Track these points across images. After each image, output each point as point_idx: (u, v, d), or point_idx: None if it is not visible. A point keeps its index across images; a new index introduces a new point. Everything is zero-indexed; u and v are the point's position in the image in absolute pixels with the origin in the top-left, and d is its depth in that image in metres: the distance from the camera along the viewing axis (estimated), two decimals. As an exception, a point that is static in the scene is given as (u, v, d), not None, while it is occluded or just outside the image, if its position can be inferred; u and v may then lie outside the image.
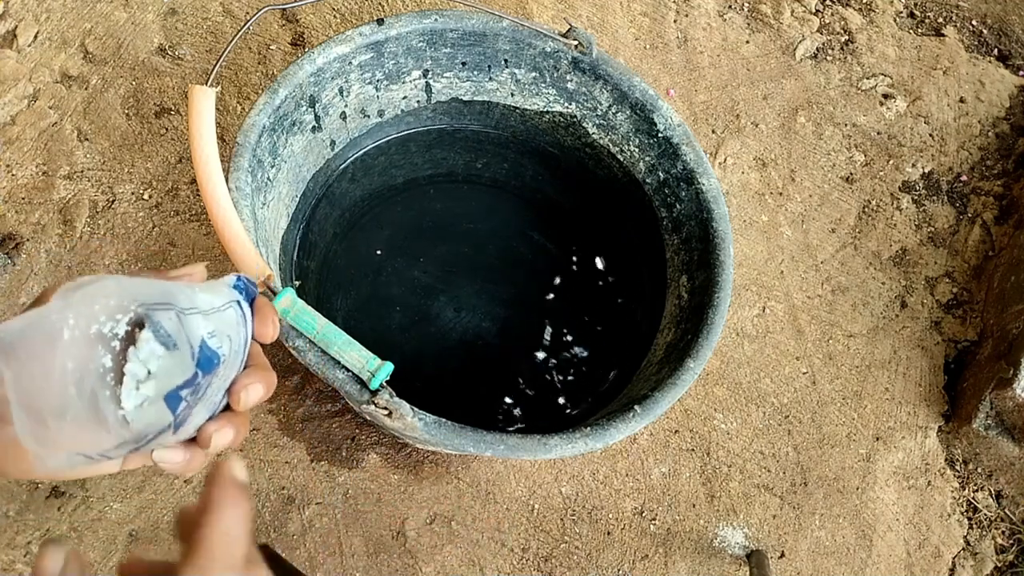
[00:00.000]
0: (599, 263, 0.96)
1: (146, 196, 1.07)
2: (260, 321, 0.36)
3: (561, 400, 0.89)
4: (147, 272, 0.34)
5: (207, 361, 0.30)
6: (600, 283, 0.95)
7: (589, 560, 1.02)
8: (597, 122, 0.88)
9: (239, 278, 0.36)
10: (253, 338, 0.36)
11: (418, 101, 0.90)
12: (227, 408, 0.35)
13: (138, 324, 0.27)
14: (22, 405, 0.25)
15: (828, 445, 1.12)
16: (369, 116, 0.88)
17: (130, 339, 0.27)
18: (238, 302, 0.35)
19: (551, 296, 0.94)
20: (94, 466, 0.30)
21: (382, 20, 0.77)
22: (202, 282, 0.35)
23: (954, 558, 1.11)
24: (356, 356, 0.58)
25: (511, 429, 0.87)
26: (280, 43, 1.17)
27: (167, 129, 1.10)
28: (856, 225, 1.25)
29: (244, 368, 0.35)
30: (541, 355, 0.91)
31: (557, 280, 0.95)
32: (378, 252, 0.92)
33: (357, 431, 1.01)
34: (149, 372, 0.27)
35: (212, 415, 0.33)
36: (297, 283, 0.70)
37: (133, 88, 1.11)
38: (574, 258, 0.96)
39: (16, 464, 0.30)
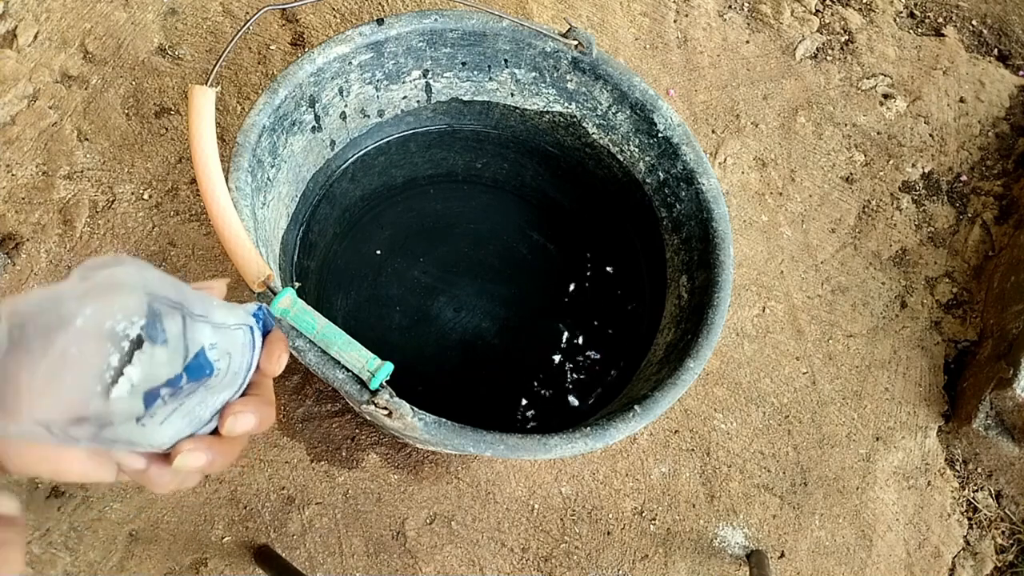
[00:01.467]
0: (599, 263, 0.96)
1: (146, 196, 1.07)
2: (268, 353, 0.36)
3: (561, 400, 0.89)
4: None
5: (198, 368, 0.29)
6: (600, 283, 0.95)
7: (589, 560, 1.02)
8: (597, 122, 0.88)
9: (260, 308, 0.36)
10: (259, 369, 0.35)
11: (418, 101, 0.90)
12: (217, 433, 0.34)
13: (145, 319, 0.27)
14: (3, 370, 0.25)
15: (828, 445, 1.12)
16: (369, 116, 0.88)
17: (140, 342, 0.27)
18: (251, 328, 0.34)
19: (551, 296, 0.94)
20: (55, 451, 0.30)
21: (382, 20, 0.77)
22: (221, 298, 0.35)
23: (954, 558, 1.11)
24: (356, 356, 0.58)
25: (511, 429, 0.87)
26: (280, 43, 1.17)
27: (167, 129, 1.10)
28: (856, 225, 1.25)
29: (243, 395, 0.35)
30: (541, 355, 0.91)
31: (556, 280, 0.95)
32: (378, 252, 0.92)
33: (357, 431, 1.01)
34: (133, 377, 0.27)
35: (194, 433, 0.32)
36: (297, 284, 0.70)
37: (133, 88, 1.11)
38: (574, 258, 0.96)
39: (20, 459, 0.30)
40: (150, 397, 0.28)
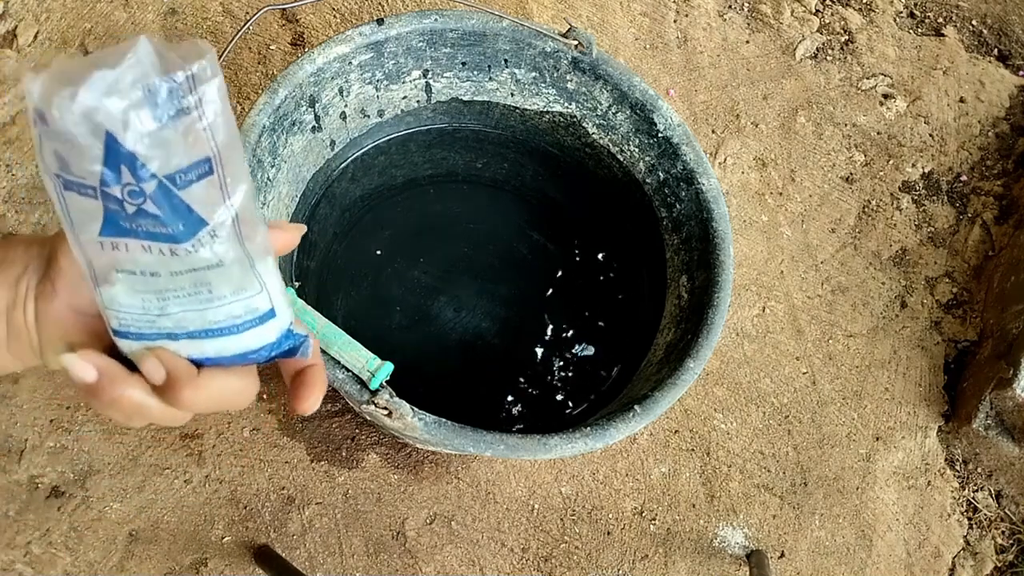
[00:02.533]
0: (599, 263, 0.96)
1: (146, 196, 1.07)
2: (303, 391, 0.32)
3: (561, 400, 0.89)
4: None
5: (185, 204, 0.25)
6: (600, 283, 0.95)
7: (589, 560, 1.02)
8: (597, 122, 0.88)
9: (304, 338, 0.32)
10: (293, 407, 0.32)
11: (418, 101, 0.90)
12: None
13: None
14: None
15: (828, 445, 1.12)
16: (369, 116, 0.88)
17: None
18: (290, 329, 0.31)
19: (551, 296, 0.94)
20: (79, 320, 0.28)
21: (382, 20, 0.77)
22: (286, 246, 0.32)
23: (954, 558, 1.11)
24: (356, 356, 0.58)
25: (511, 429, 0.87)
26: (280, 43, 1.17)
27: (167, 129, 1.10)
28: (856, 225, 1.25)
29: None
30: (541, 355, 0.91)
31: (557, 280, 0.95)
32: (378, 252, 0.92)
33: (357, 431, 1.01)
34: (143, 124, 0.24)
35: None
36: (297, 284, 0.70)
37: (133, 88, 1.11)
38: (574, 258, 0.96)
39: (48, 340, 0.29)
40: (133, 193, 0.24)
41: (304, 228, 0.34)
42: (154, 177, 0.24)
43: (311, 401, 0.32)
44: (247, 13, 1.18)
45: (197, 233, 0.26)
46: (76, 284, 0.29)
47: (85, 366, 0.27)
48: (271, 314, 0.30)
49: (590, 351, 0.92)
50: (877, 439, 1.14)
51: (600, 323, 0.93)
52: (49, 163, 0.25)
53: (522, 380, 0.90)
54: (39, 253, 0.30)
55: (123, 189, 0.24)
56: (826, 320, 1.18)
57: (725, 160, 1.25)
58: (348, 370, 0.60)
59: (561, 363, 0.91)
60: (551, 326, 0.93)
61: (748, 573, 1.02)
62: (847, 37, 1.36)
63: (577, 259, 0.96)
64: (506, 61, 0.85)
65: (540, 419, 0.88)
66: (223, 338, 0.29)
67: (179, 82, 0.24)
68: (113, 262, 0.26)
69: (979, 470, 1.15)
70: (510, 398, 0.89)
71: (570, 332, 0.92)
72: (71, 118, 0.23)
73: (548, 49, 0.82)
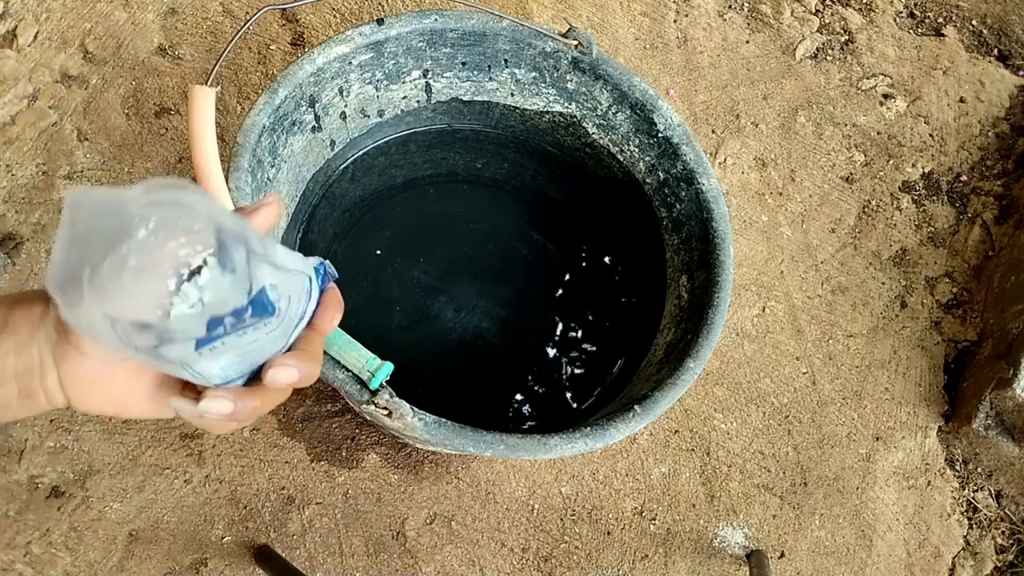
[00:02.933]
0: (599, 263, 0.96)
1: (146, 196, 1.07)
2: (323, 309, 0.35)
3: (561, 399, 0.89)
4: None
5: (261, 305, 0.29)
6: (600, 283, 0.95)
7: (589, 560, 1.02)
8: (597, 122, 0.88)
9: (322, 263, 0.36)
10: (311, 324, 0.35)
11: (418, 101, 0.90)
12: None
13: (214, 252, 0.27)
14: (66, 257, 0.25)
15: (828, 445, 1.12)
16: (369, 116, 0.88)
17: (198, 271, 0.27)
18: (310, 279, 0.34)
19: (551, 296, 0.94)
20: (120, 394, 0.31)
21: (382, 20, 0.77)
22: (272, 220, 0.34)
23: (954, 558, 1.11)
24: (356, 356, 0.58)
25: (511, 429, 0.87)
26: (280, 43, 1.17)
27: (167, 129, 1.10)
28: (856, 225, 1.25)
29: (291, 348, 0.34)
30: (541, 355, 0.91)
31: (557, 280, 0.95)
32: (378, 252, 0.92)
33: (357, 431, 1.01)
34: (202, 298, 0.27)
35: (231, 381, 0.32)
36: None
37: (133, 88, 1.11)
38: (574, 258, 0.96)
39: (82, 394, 0.31)
40: (214, 323, 0.28)
41: (275, 196, 0.35)
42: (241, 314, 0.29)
43: (335, 320, 0.36)
44: (247, 13, 1.18)
45: (278, 305, 0.31)
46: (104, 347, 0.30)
47: (223, 403, 0.31)
48: (309, 288, 0.34)
49: (590, 352, 0.92)
50: (877, 439, 1.14)
51: (600, 323, 0.93)
52: (140, 342, 0.28)
53: (522, 380, 0.90)
54: (42, 316, 0.30)
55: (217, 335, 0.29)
56: (826, 320, 1.18)
57: (725, 160, 1.25)
58: (348, 370, 0.60)
59: (562, 363, 0.91)
60: (551, 326, 0.93)
61: (748, 573, 1.02)
62: (847, 37, 1.36)
63: (577, 259, 0.96)
64: (506, 61, 0.85)
65: (540, 419, 0.88)
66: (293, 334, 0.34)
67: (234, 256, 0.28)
68: (204, 356, 0.30)
69: (979, 470, 1.15)
70: (509, 398, 0.89)
71: (570, 332, 0.92)
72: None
73: (548, 49, 0.82)
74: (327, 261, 0.36)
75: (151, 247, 0.25)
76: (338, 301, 0.37)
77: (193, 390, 0.33)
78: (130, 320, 0.26)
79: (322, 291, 0.36)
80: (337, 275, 0.37)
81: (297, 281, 0.32)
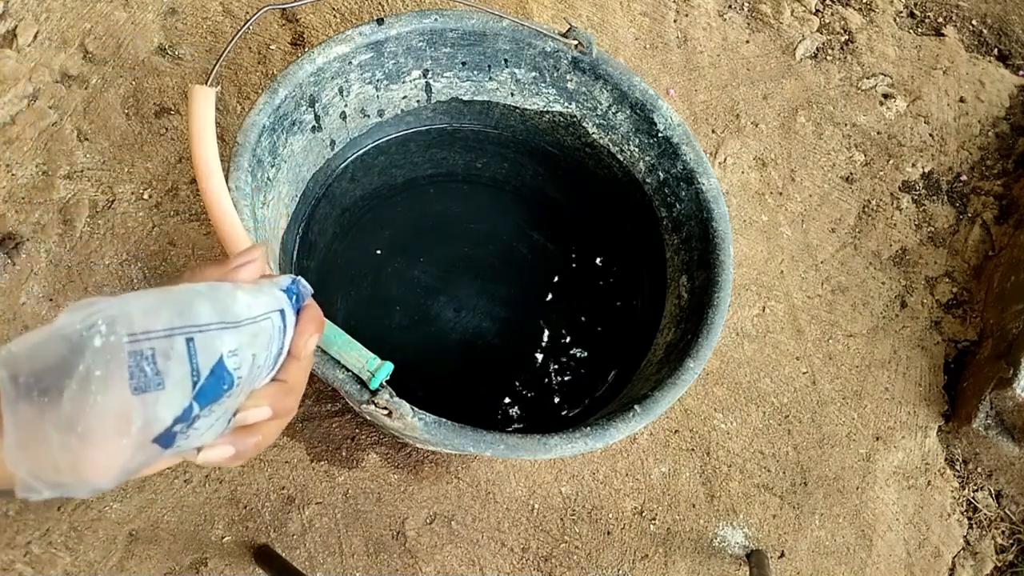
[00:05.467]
0: (599, 263, 0.96)
1: (146, 196, 1.07)
2: (297, 336, 0.34)
3: (561, 400, 0.89)
4: (201, 264, 0.33)
5: (213, 386, 0.27)
6: (600, 283, 0.95)
7: (589, 560, 1.02)
8: (597, 122, 0.88)
9: (295, 281, 0.34)
10: (288, 353, 0.33)
11: (418, 101, 0.90)
12: None
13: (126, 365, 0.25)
14: (25, 421, 0.24)
15: (828, 445, 1.12)
16: (369, 116, 0.88)
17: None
18: (281, 312, 0.32)
19: (551, 296, 0.94)
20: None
21: (382, 20, 0.77)
22: (256, 275, 0.33)
23: (954, 558, 1.11)
24: (356, 356, 0.58)
25: (511, 429, 0.87)
26: (280, 43, 1.17)
27: (167, 129, 1.10)
28: (856, 225, 1.25)
29: (270, 381, 0.33)
30: (541, 355, 0.91)
31: (557, 280, 0.95)
32: (378, 252, 0.92)
33: (357, 431, 1.01)
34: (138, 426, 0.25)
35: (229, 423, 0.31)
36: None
37: (133, 88, 1.11)
38: (574, 258, 0.96)
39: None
40: (166, 438, 0.26)
41: (260, 248, 0.34)
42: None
43: (311, 344, 0.35)
44: (247, 13, 1.18)
45: (236, 374, 0.29)
46: None
47: (223, 450, 0.31)
48: (282, 324, 0.33)
49: (590, 351, 0.92)
50: (877, 439, 1.14)
51: (600, 324, 0.93)
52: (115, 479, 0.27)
53: (522, 380, 0.90)
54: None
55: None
56: (826, 320, 1.18)
57: (725, 160, 1.25)
58: (348, 370, 0.60)
59: (562, 363, 0.91)
60: (551, 326, 0.93)
61: (748, 573, 1.02)
62: (847, 37, 1.36)
63: (577, 259, 0.96)
64: (506, 61, 0.85)
65: (540, 419, 0.88)
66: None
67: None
68: (182, 445, 0.29)
69: (979, 470, 1.15)
70: (510, 398, 0.89)
71: (570, 332, 0.92)
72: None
73: (548, 49, 0.82)
74: (299, 278, 0.35)
75: (110, 351, 0.24)
76: (315, 320, 0.35)
77: None
78: (117, 471, 0.25)
79: (298, 311, 0.34)
80: (311, 290, 0.35)
81: (264, 326, 0.31)
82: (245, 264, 0.33)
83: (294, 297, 0.34)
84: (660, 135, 0.83)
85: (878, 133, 1.31)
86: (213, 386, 0.27)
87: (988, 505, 1.14)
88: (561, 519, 1.02)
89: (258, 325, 0.30)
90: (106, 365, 0.24)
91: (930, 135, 1.32)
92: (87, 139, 1.08)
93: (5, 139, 1.06)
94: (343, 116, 0.85)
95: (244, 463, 0.34)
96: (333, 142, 0.87)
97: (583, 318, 0.93)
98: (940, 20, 1.41)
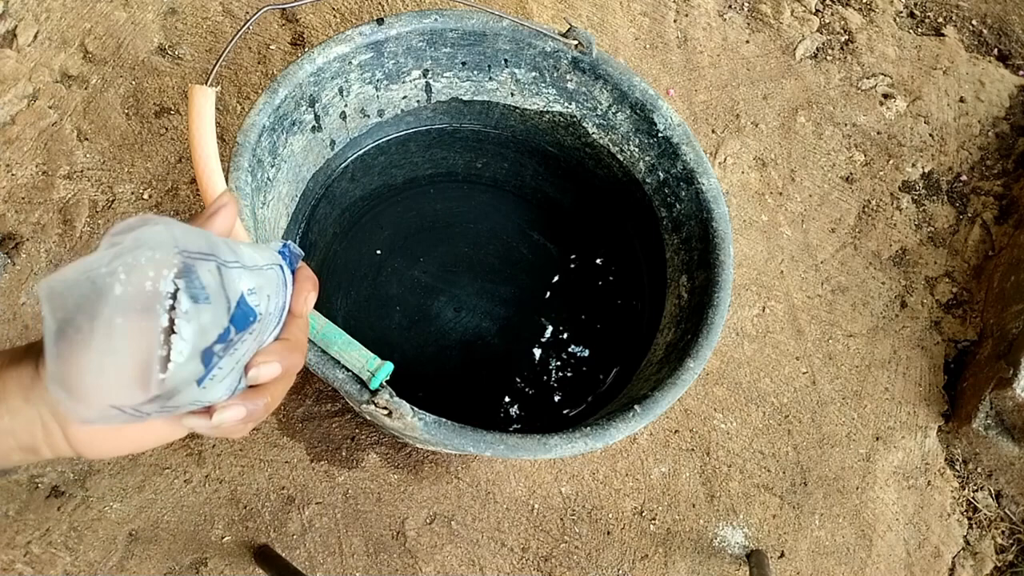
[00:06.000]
0: (599, 263, 0.96)
1: (146, 196, 1.07)
2: (296, 292, 0.35)
3: (561, 400, 0.89)
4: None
5: (243, 316, 0.29)
6: (600, 283, 0.95)
7: (589, 560, 1.02)
8: (597, 122, 0.88)
9: (285, 245, 0.36)
10: (289, 311, 0.35)
11: (418, 101, 0.90)
12: None
13: (181, 276, 0.27)
14: (60, 355, 0.25)
15: (828, 445, 1.12)
16: (369, 116, 0.88)
17: (177, 296, 0.27)
18: (280, 266, 0.34)
19: (551, 296, 0.94)
20: (130, 439, 0.31)
21: (382, 20, 0.77)
22: (230, 223, 0.34)
23: (954, 558, 1.11)
24: (356, 356, 0.58)
25: (511, 429, 0.87)
26: (280, 43, 1.17)
27: (167, 129, 1.10)
28: (856, 225, 1.25)
29: (276, 339, 0.34)
30: (541, 355, 0.91)
31: (557, 280, 0.95)
32: (378, 252, 0.92)
33: (357, 431, 1.01)
34: (190, 342, 0.27)
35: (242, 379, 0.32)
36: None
37: (133, 88, 1.11)
38: (574, 258, 0.96)
39: (94, 446, 0.31)
40: (207, 356, 0.28)
41: (228, 195, 0.35)
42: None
43: (310, 300, 0.36)
44: (247, 13, 1.18)
45: (258, 309, 0.31)
46: None
47: (236, 410, 0.31)
48: (283, 277, 0.34)
49: (590, 351, 0.92)
50: (877, 439, 1.14)
51: (600, 323, 0.93)
52: (149, 409, 0.28)
53: (522, 380, 0.90)
54: (33, 378, 0.30)
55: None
56: (826, 320, 1.18)
57: (725, 160, 1.25)
58: (348, 370, 0.60)
59: (561, 362, 0.91)
60: (551, 326, 0.93)
61: (748, 573, 1.02)
62: (847, 37, 1.36)
63: (577, 259, 0.96)
64: (506, 61, 0.85)
65: (540, 419, 0.88)
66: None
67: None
68: (209, 388, 0.30)
69: (979, 470, 1.15)
70: (510, 398, 0.89)
71: (570, 332, 0.92)
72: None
73: (548, 49, 0.82)
74: (289, 242, 0.36)
75: (129, 299, 0.25)
76: (310, 279, 0.37)
77: None
78: (136, 401, 0.26)
79: (293, 272, 0.36)
80: (303, 253, 0.37)
81: (271, 275, 0.32)
82: (218, 211, 0.33)
83: (287, 259, 0.35)
84: (660, 135, 0.83)
85: (878, 133, 1.31)
86: (242, 316, 0.29)
87: (988, 505, 1.14)
88: (561, 519, 1.02)
89: (265, 274, 0.32)
90: (158, 273, 0.25)
91: (930, 135, 1.32)
92: (87, 139, 1.08)
93: (5, 139, 1.06)
94: (343, 116, 0.85)
95: (254, 426, 0.34)
96: (333, 142, 0.87)
97: (583, 318, 0.93)
98: (940, 20, 1.41)
